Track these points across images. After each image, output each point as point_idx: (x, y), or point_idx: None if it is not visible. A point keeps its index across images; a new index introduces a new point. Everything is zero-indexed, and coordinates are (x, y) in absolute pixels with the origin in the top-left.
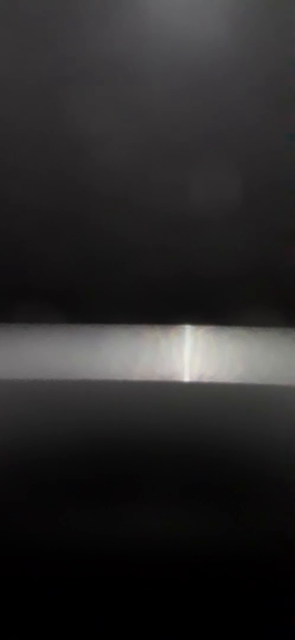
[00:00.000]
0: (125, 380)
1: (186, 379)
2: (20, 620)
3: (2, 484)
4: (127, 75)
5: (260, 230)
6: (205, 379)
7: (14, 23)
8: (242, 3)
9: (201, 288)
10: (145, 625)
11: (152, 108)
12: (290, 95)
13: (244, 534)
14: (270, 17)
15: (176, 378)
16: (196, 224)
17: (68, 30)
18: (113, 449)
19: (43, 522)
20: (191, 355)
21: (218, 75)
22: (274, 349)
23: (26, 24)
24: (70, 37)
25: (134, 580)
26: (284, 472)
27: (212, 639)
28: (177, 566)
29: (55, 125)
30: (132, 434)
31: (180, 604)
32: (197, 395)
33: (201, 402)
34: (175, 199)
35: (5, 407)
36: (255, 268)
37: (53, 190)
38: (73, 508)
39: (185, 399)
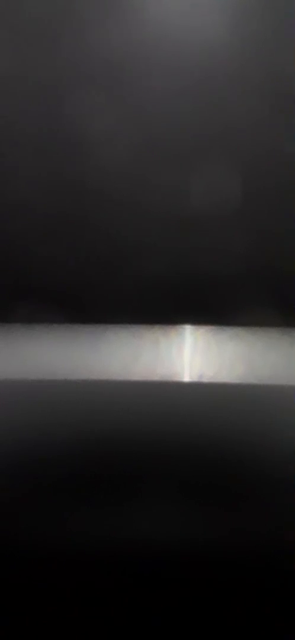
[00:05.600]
0: (125, 380)
1: (186, 379)
2: (20, 620)
3: (3, 484)
4: (127, 75)
5: (260, 230)
6: (205, 379)
7: (15, 23)
8: (242, 3)
9: (201, 288)
10: (145, 625)
11: (152, 108)
12: (291, 95)
13: (244, 533)
14: (270, 17)
15: (176, 378)
16: (196, 224)
17: (68, 30)
18: (113, 449)
19: (43, 522)
20: (191, 355)
21: (218, 76)
22: (274, 349)
23: (27, 24)
24: (70, 37)
25: (134, 581)
26: (284, 472)
27: (213, 639)
28: (177, 566)
29: (55, 125)
30: (132, 434)
31: (181, 604)
32: (197, 395)
33: (201, 402)
34: (175, 199)
35: (5, 407)
36: (255, 268)
37: (53, 190)
38: (73, 508)
39: (185, 399)
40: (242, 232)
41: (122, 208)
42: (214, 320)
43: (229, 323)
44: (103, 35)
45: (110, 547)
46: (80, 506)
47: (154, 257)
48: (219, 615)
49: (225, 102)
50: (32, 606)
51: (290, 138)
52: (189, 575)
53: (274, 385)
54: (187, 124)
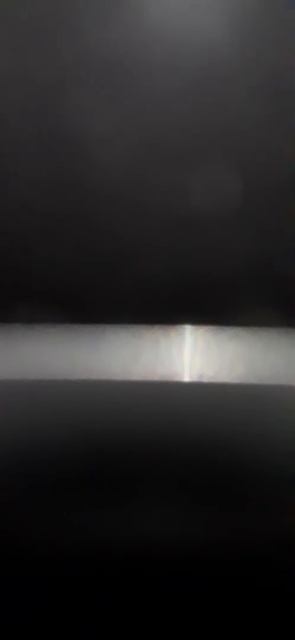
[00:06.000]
0: (125, 380)
1: (186, 379)
2: (20, 620)
3: (2, 484)
4: (127, 75)
5: (260, 230)
6: (205, 379)
7: (15, 23)
8: (242, 3)
9: (201, 288)
10: (145, 626)
11: (152, 108)
12: (291, 95)
13: (244, 533)
14: (270, 17)
15: (176, 378)
16: (196, 224)
17: (68, 30)
18: (113, 449)
19: (43, 522)
20: (191, 355)
21: (218, 76)
22: (274, 349)
23: (27, 24)
24: (70, 37)
25: (135, 581)
26: (284, 473)
27: (213, 639)
28: (177, 567)
29: (55, 125)
30: (132, 434)
31: (181, 604)
32: (197, 395)
33: (201, 402)
34: (175, 199)
35: (6, 407)
36: (255, 268)
37: (53, 190)
38: (73, 508)
39: (185, 399)
40: (242, 232)
41: (122, 208)
42: (214, 320)
43: (229, 323)
44: (103, 35)
45: (110, 548)
46: (80, 506)
47: (154, 257)
48: (219, 616)
49: (225, 102)
50: (31, 606)
51: (290, 138)
52: (190, 576)
53: (274, 385)
54: (187, 124)
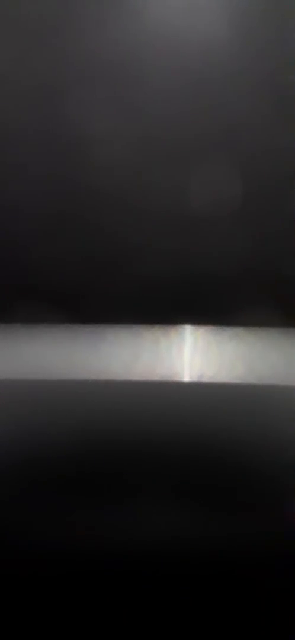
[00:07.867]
0: (125, 380)
1: (186, 379)
2: (20, 620)
3: (2, 484)
4: (127, 75)
5: (260, 230)
6: (205, 379)
7: (14, 23)
8: (242, 3)
9: (201, 288)
10: (145, 626)
11: (152, 108)
12: (291, 95)
13: (244, 534)
14: (270, 16)
15: (176, 378)
16: (196, 224)
17: (68, 30)
18: (113, 449)
19: (43, 522)
20: (191, 355)
21: (218, 75)
22: (274, 349)
23: (26, 24)
24: (70, 37)
25: (134, 581)
26: (284, 473)
27: (213, 639)
28: (177, 567)
29: (55, 124)
30: (132, 434)
31: (181, 605)
32: (197, 395)
33: (201, 402)
34: (175, 199)
35: (6, 407)
36: (255, 268)
37: (53, 190)
38: (73, 508)
39: (185, 399)
40: (242, 232)
41: (122, 208)
42: (214, 320)
43: (229, 323)
44: (103, 35)
45: (110, 548)
46: (80, 506)
47: (154, 257)
48: (219, 617)
49: (225, 102)
50: (31, 606)
51: (291, 138)
52: (189, 577)
53: (274, 385)
54: (187, 124)
